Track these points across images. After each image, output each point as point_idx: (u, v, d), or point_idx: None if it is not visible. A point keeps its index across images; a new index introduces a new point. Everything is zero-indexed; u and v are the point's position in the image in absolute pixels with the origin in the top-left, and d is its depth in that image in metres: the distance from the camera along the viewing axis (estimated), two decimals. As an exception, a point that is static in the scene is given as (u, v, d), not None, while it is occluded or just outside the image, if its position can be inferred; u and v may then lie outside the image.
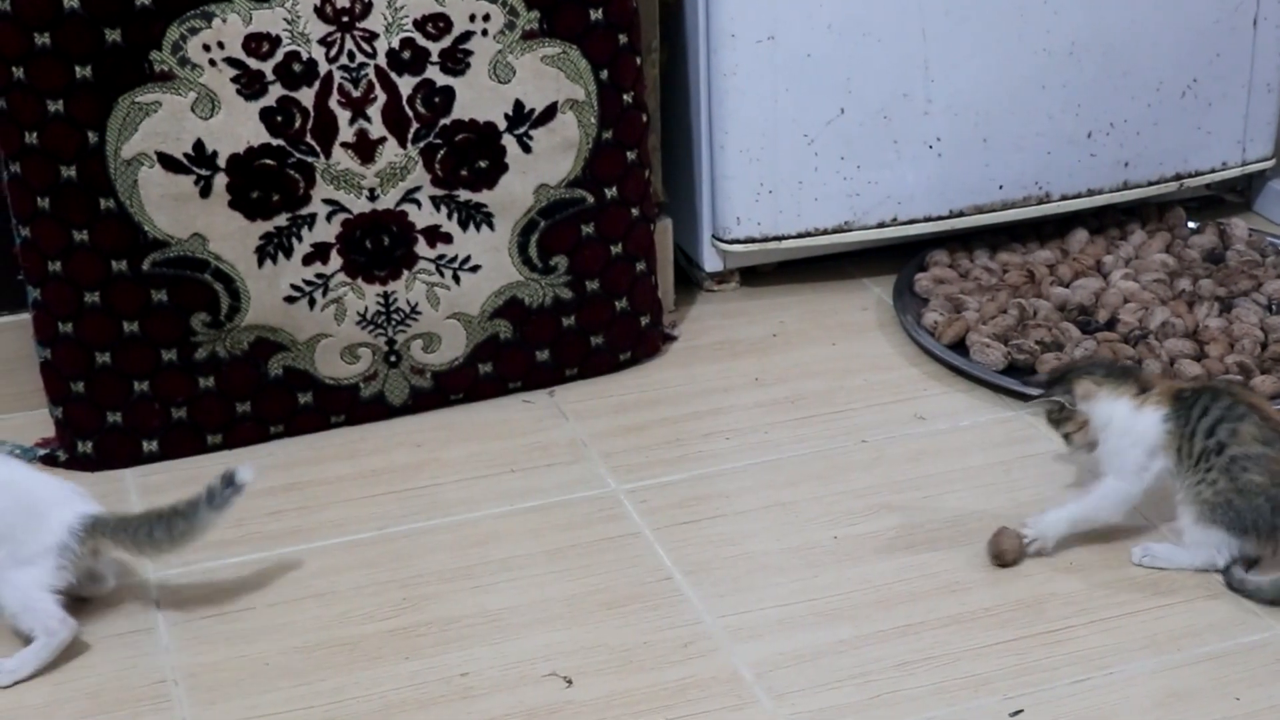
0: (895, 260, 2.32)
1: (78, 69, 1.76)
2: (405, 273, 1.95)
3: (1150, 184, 2.34)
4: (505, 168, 1.95)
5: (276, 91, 1.83)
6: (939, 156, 2.23)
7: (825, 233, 2.23)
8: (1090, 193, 2.32)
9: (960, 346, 2.09)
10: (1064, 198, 2.31)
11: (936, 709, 1.51)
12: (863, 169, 2.21)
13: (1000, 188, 2.28)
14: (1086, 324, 2.12)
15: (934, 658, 1.58)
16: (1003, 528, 1.70)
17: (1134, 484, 1.67)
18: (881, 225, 2.25)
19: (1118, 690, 1.53)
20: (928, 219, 2.27)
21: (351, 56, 1.86)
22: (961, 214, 2.28)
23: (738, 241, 2.23)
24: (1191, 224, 2.39)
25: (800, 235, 2.22)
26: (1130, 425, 1.67)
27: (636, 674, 1.56)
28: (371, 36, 1.86)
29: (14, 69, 1.76)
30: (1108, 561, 1.71)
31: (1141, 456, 1.66)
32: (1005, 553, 1.69)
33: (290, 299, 1.91)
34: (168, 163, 1.82)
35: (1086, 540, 1.73)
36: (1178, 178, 2.35)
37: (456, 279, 1.98)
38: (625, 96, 1.99)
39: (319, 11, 1.83)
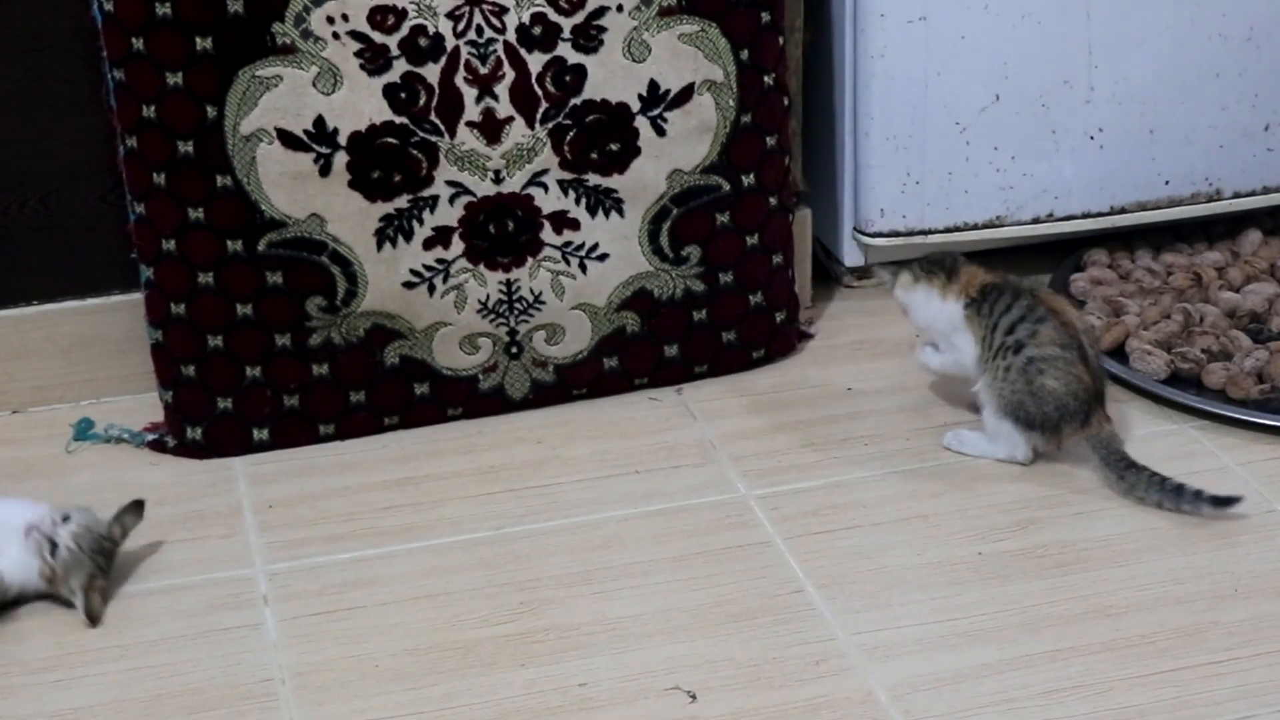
0: (1050, 259, 2.29)
1: (198, 40, 1.80)
2: (529, 260, 1.96)
3: (1334, 182, 2.29)
4: (637, 151, 1.95)
5: (401, 67, 1.85)
6: (1101, 148, 2.19)
7: (975, 228, 2.20)
8: (1266, 190, 2.27)
9: (1119, 353, 2.06)
10: (1237, 195, 2.26)
11: (1087, 742, 1.49)
12: (1018, 160, 2.18)
13: (1167, 183, 2.23)
14: (1258, 332, 2.07)
15: (1084, 686, 1.55)
16: None
17: (960, 355, 1.91)
18: (1036, 221, 2.22)
19: (1287, 730, 1.50)
20: (1086, 215, 2.23)
21: (480, 31, 1.87)
22: (1123, 210, 2.24)
23: (881, 235, 2.21)
24: (1377, 227, 2.34)
25: (948, 230, 2.20)
26: (938, 311, 1.90)
27: (764, 691, 1.56)
28: (501, 11, 1.87)
29: (134, 39, 1.79)
30: (1277, 588, 1.67)
31: (950, 336, 1.90)
32: None
33: (409, 285, 1.93)
34: (287, 139, 1.84)
35: (1251, 564, 1.70)
36: (1363, 176, 2.30)
37: (583, 268, 1.98)
38: (766, 78, 1.98)
39: (447, -16, 1.85)
